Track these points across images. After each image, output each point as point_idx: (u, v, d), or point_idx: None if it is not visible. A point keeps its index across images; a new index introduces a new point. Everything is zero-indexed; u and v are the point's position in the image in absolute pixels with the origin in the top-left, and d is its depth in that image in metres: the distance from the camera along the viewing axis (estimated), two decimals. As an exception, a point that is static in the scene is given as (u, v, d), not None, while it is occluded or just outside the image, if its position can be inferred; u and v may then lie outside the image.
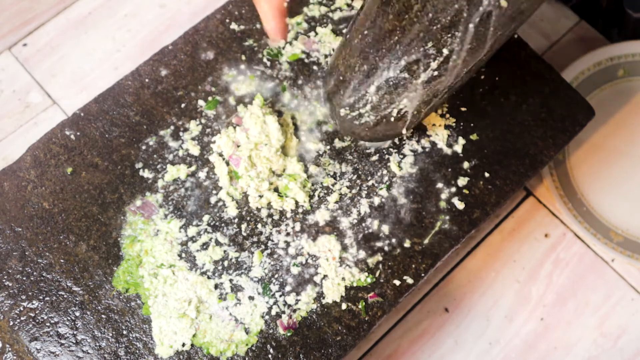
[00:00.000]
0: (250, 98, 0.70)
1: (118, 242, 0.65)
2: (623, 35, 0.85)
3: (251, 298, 0.64)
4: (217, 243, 0.65)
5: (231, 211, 0.66)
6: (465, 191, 0.68)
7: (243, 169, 0.66)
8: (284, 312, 0.63)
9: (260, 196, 0.67)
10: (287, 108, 0.70)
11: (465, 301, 0.73)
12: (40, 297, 0.63)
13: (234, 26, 0.73)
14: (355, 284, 0.64)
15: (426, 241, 0.66)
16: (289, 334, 0.63)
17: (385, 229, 0.66)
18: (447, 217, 0.67)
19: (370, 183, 0.68)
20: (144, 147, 0.68)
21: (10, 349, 0.62)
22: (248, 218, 0.66)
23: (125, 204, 0.66)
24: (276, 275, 0.64)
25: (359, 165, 0.68)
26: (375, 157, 0.69)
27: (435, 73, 0.54)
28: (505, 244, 0.75)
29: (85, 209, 0.66)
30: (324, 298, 0.64)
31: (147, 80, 0.70)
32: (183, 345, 0.63)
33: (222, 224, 0.66)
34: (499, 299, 0.73)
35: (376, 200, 0.67)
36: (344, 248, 0.65)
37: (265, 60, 0.72)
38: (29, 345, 0.62)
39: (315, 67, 0.71)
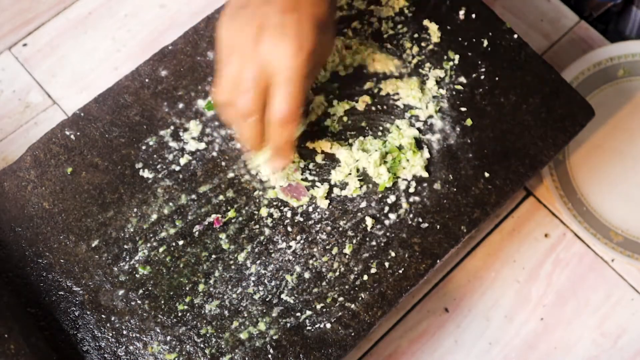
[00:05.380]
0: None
1: (118, 242, 0.65)
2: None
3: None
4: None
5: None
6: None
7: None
8: (284, 312, 0.63)
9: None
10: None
11: (465, 301, 0.73)
12: (40, 297, 0.63)
13: (234, 26, 0.73)
14: (355, 284, 0.64)
15: (426, 241, 0.66)
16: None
17: (386, 228, 0.66)
18: (447, 217, 0.67)
19: (370, 183, 0.68)
20: (144, 147, 0.68)
21: (10, 349, 0.62)
22: (252, 221, 0.66)
23: (125, 204, 0.66)
24: (277, 275, 0.64)
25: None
26: (375, 157, 0.69)
27: None
28: (505, 244, 0.75)
29: (85, 209, 0.66)
30: (324, 298, 0.64)
31: (147, 80, 0.70)
32: (183, 345, 0.63)
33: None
34: (499, 299, 0.73)
35: (376, 200, 0.67)
36: (344, 247, 0.65)
37: (265, 60, 0.72)
38: (29, 345, 0.62)
39: (315, 67, 0.71)
